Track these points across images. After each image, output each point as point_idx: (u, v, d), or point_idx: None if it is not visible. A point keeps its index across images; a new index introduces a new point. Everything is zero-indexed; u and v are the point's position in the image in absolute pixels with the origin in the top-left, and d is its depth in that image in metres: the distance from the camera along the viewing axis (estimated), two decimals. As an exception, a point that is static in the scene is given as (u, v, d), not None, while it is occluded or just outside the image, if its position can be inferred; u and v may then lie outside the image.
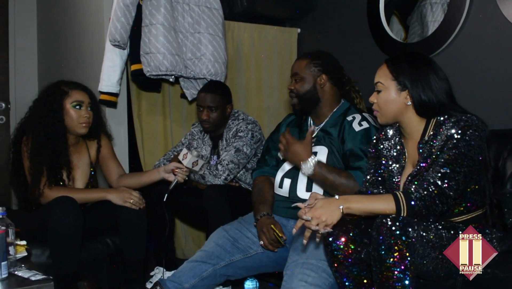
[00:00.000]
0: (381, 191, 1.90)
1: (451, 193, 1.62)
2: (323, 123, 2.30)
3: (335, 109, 2.30)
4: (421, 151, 1.78)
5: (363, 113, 2.26)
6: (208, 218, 2.51)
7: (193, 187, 2.77)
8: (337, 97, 2.32)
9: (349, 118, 2.23)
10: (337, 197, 1.67)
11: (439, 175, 1.63)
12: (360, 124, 2.19)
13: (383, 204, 1.63)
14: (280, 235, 2.13)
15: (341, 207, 1.64)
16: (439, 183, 1.62)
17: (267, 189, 2.36)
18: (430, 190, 1.61)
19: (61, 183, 2.42)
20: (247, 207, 2.45)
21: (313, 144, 2.24)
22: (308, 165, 2.09)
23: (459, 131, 1.67)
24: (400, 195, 1.62)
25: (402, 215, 1.60)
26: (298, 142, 2.12)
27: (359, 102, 2.42)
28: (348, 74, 2.45)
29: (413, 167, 1.80)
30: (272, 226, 2.15)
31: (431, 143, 1.74)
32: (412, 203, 1.60)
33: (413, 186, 1.65)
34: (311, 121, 2.35)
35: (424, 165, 1.74)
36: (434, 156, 1.71)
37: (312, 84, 2.26)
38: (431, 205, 1.61)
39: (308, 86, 2.26)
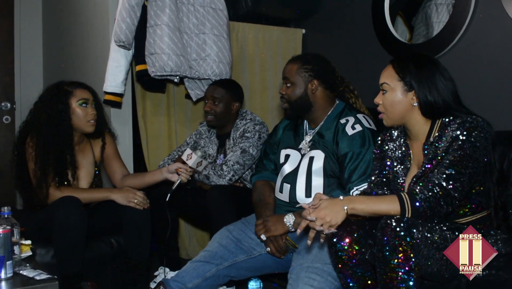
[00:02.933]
0: (386, 192, 1.90)
1: (456, 194, 1.62)
2: (318, 127, 2.27)
3: (329, 112, 2.27)
4: (426, 152, 1.78)
5: (358, 115, 2.20)
6: (212, 218, 2.51)
7: (197, 187, 2.77)
8: (330, 100, 2.28)
9: (343, 121, 2.19)
10: (341, 197, 1.67)
11: (444, 176, 1.63)
12: (353, 128, 2.15)
13: (387, 205, 1.63)
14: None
15: (345, 207, 1.64)
16: (444, 184, 1.61)
17: (268, 193, 2.35)
18: (435, 191, 1.61)
19: (66, 183, 2.43)
20: (251, 208, 2.44)
21: (308, 148, 2.24)
22: None
23: (464, 133, 1.67)
24: (405, 196, 1.62)
25: (406, 216, 1.59)
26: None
27: (355, 102, 2.36)
28: (341, 74, 2.38)
29: (418, 168, 1.80)
30: (287, 237, 2.13)
31: (436, 144, 1.74)
32: (417, 204, 1.60)
33: (418, 187, 1.64)
34: (307, 125, 2.33)
35: (429, 166, 1.74)
36: (439, 157, 1.71)
37: (304, 89, 2.22)
38: (436, 206, 1.60)
39: (299, 92, 2.22)
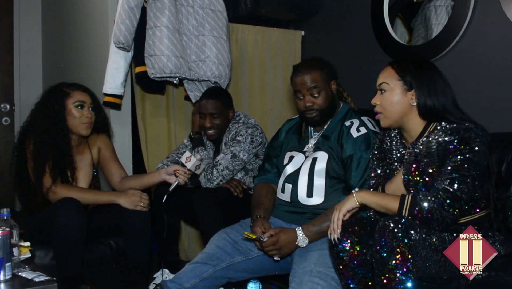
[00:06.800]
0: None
1: (463, 196, 1.60)
2: (323, 129, 2.28)
3: (334, 115, 2.28)
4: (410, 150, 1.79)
5: (362, 117, 2.23)
6: (199, 225, 2.52)
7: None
8: (337, 99, 2.32)
9: (347, 123, 2.21)
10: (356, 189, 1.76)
11: (448, 180, 1.62)
12: (358, 130, 2.16)
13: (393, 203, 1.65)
14: (253, 236, 2.08)
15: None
16: (449, 187, 1.60)
17: (264, 193, 2.36)
18: (439, 196, 1.60)
19: (65, 184, 2.42)
20: (240, 211, 2.46)
21: (312, 151, 2.25)
22: (301, 239, 2.08)
23: (461, 140, 1.66)
24: (408, 199, 1.62)
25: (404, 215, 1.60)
26: (281, 234, 2.09)
27: (346, 97, 2.40)
28: (341, 75, 2.37)
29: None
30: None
31: (421, 147, 1.75)
32: (417, 209, 1.60)
33: (421, 194, 1.64)
34: (311, 128, 2.34)
35: (414, 165, 1.75)
36: (423, 161, 1.72)
37: (331, 92, 2.23)
38: (440, 212, 1.59)
39: (329, 96, 2.22)
